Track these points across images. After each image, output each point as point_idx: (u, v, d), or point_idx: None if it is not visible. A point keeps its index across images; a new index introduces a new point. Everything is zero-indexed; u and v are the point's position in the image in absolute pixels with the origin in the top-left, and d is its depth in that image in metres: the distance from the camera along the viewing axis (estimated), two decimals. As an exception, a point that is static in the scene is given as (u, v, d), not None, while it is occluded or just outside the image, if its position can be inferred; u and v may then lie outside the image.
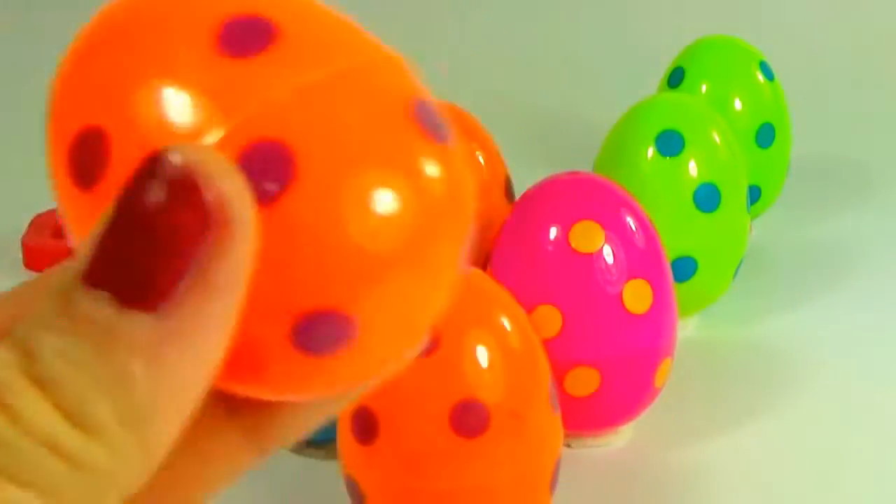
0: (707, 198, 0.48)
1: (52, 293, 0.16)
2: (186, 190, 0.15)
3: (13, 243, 0.61)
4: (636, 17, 0.83)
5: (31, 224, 0.61)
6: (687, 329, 0.51)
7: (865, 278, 0.56)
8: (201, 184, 0.15)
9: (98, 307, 0.15)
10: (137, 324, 0.15)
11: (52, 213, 0.62)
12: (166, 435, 0.16)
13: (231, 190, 0.16)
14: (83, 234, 0.17)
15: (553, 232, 0.42)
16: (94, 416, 0.15)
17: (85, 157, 0.17)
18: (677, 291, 0.44)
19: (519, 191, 0.47)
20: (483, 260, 0.47)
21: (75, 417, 0.15)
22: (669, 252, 0.45)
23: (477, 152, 0.50)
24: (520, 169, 0.53)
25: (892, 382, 0.49)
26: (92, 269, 0.16)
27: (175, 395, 0.16)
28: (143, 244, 0.15)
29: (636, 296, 0.42)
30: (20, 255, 0.60)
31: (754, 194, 0.57)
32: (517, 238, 0.43)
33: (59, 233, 0.61)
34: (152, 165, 0.16)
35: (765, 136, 0.57)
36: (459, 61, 0.80)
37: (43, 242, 0.60)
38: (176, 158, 0.15)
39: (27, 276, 0.59)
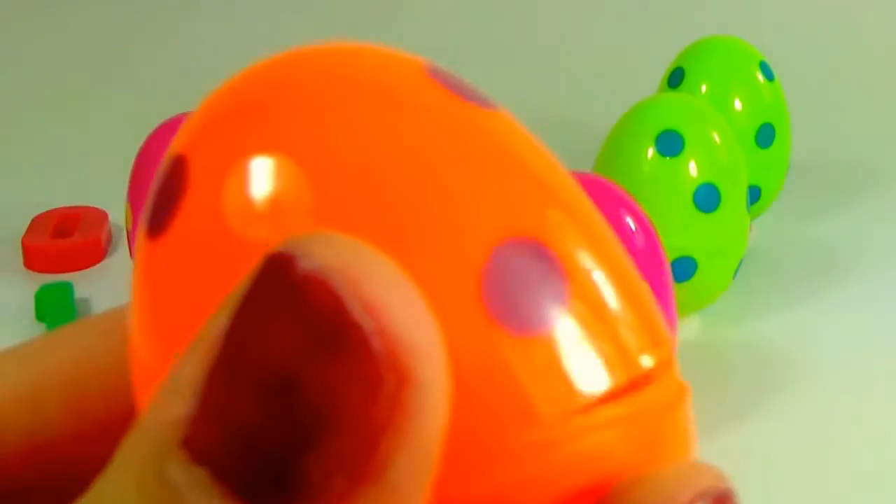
0: (707, 198, 0.48)
1: (142, 449, 0.11)
2: (337, 330, 0.10)
3: (13, 243, 0.61)
4: (636, 17, 0.83)
5: (31, 224, 0.61)
6: (687, 329, 0.51)
7: (865, 278, 0.56)
8: (358, 317, 0.10)
9: (192, 495, 0.10)
10: None
11: (52, 213, 0.62)
12: None
13: (414, 327, 0.10)
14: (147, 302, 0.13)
15: (553, 232, 0.42)
16: None
17: (162, 192, 0.14)
18: (677, 291, 0.44)
19: (519, 191, 0.47)
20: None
21: None
22: (669, 252, 0.45)
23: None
24: (520, 169, 0.53)
25: (893, 382, 0.49)
26: (195, 432, 0.10)
27: None
28: (267, 412, 0.10)
29: (636, 296, 0.42)
30: (20, 255, 0.60)
31: (754, 194, 0.57)
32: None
33: (59, 233, 0.61)
34: (271, 273, 0.10)
35: (765, 136, 0.57)
36: (459, 61, 0.80)
37: (43, 242, 0.60)
38: (308, 264, 0.10)
39: (27, 276, 0.59)
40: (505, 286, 0.13)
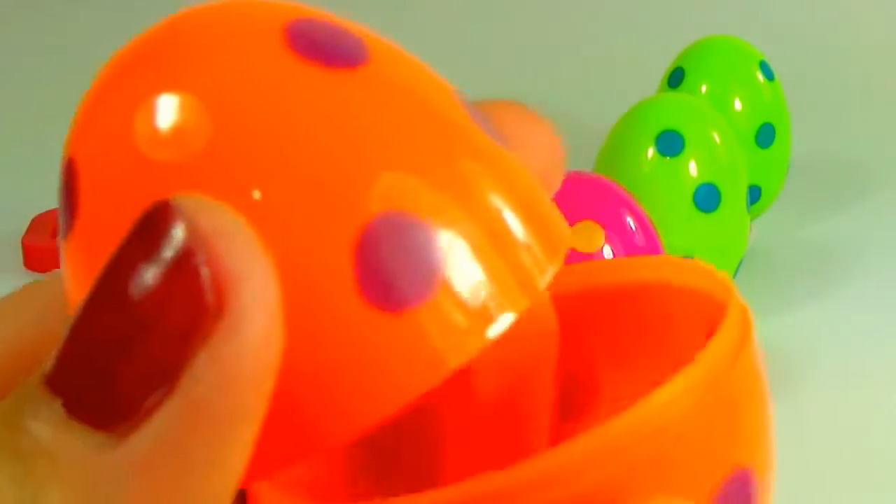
0: (707, 198, 0.48)
1: (18, 391, 0.12)
2: (184, 269, 0.11)
3: (13, 243, 0.61)
4: (636, 17, 0.83)
5: (31, 224, 0.61)
6: (687, 329, 0.51)
7: (865, 278, 0.56)
8: (204, 263, 0.11)
9: (42, 417, 0.12)
10: (79, 444, 0.11)
11: (52, 212, 0.62)
12: None
13: (243, 263, 0.12)
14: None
15: (553, 232, 0.42)
16: None
17: (63, 197, 0.15)
18: (677, 291, 0.44)
19: (519, 191, 0.47)
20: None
21: None
22: (669, 252, 0.45)
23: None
24: (520, 169, 0.53)
25: (892, 382, 0.49)
26: (56, 370, 0.12)
27: None
28: (109, 336, 0.12)
29: (636, 296, 0.42)
30: (20, 255, 0.60)
31: (754, 194, 0.57)
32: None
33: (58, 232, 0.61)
34: (144, 227, 0.12)
35: (765, 136, 0.57)
36: (459, 61, 0.80)
37: (43, 242, 0.60)
38: (181, 222, 0.12)
39: (27, 276, 0.59)
40: (377, 263, 0.13)
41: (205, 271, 0.11)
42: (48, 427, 0.12)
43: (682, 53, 0.58)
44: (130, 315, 0.11)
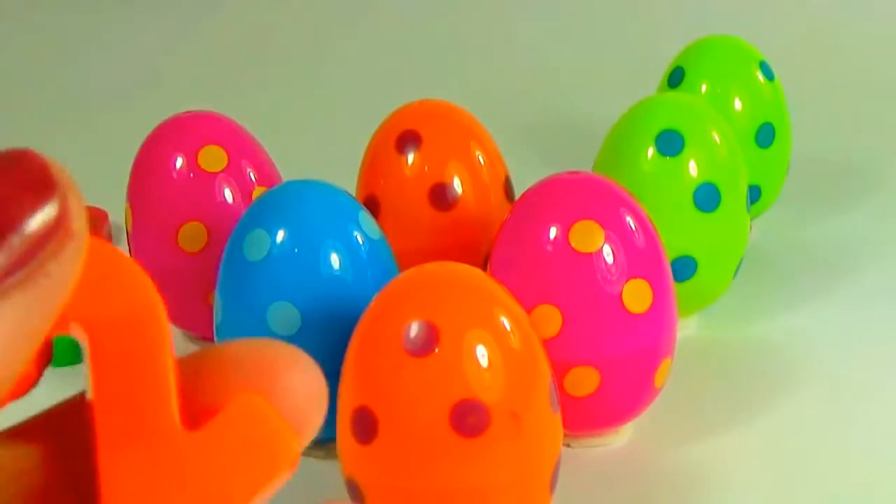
0: (707, 198, 0.48)
1: None
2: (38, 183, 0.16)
3: (13, 243, 0.61)
4: (636, 17, 0.83)
5: (31, 224, 0.61)
6: (687, 329, 0.51)
7: (865, 278, 0.56)
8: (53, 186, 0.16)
9: None
10: None
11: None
12: None
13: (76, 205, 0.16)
14: None
15: (553, 232, 0.42)
16: None
17: None
18: (677, 291, 0.44)
19: (519, 191, 0.47)
20: (483, 260, 0.47)
21: None
22: (669, 252, 0.45)
23: (477, 152, 0.50)
24: (520, 169, 0.53)
25: (892, 382, 0.49)
26: None
27: None
28: None
29: (636, 296, 0.42)
30: (20, 255, 0.60)
31: (754, 194, 0.57)
32: (517, 238, 0.43)
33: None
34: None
35: (765, 136, 0.57)
36: (460, 61, 0.80)
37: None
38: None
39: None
40: None
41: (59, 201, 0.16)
42: None
43: (682, 53, 0.58)
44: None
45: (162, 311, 0.17)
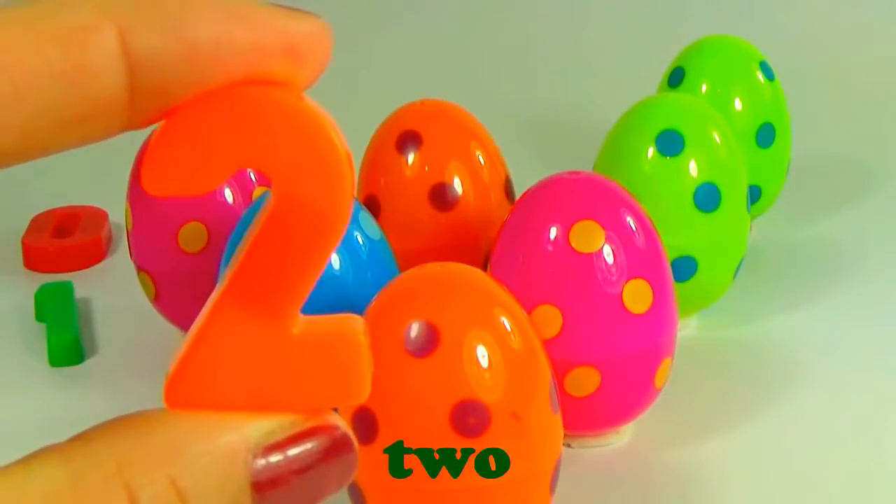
0: (707, 198, 0.48)
1: (218, 481, 0.18)
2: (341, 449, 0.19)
3: (13, 243, 0.61)
4: (636, 17, 0.83)
5: (31, 224, 0.61)
6: (687, 329, 0.51)
7: (865, 278, 0.56)
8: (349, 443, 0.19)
9: None
10: None
11: (52, 212, 0.62)
12: None
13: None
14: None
15: (553, 232, 0.42)
16: None
17: None
18: (677, 291, 0.44)
19: (519, 191, 0.47)
20: (483, 260, 0.47)
21: None
22: (669, 252, 0.45)
23: (477, 152, 0.50)
24: (520, 169, 0.53)
25: (892, 381, 0.49)
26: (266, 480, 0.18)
27: None
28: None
29: (636, 296, 0.42)
30: (20, 255, 0.60)
31: (754, 194, 0.57)
32: (517, 238, 0.43)
33: (59, 233, 0.61)
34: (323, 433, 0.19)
35: (765, 136, 0.57)
36: (460, 61, 0.80)
37: (43, 242, 0.60)
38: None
39: (27, 276, 0.59)
40: None
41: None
42: None
43: (682, 53, 0.58)
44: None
45: (344, 203, 0.18)
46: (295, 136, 0.18)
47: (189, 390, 0.19)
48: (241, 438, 0.18)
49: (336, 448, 0.19)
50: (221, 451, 0.18)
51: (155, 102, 0.18)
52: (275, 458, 0.18)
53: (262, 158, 0.18)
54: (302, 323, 0.19)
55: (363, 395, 0.19)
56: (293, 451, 0.19)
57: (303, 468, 0.19)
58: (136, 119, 0.18)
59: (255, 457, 0.18)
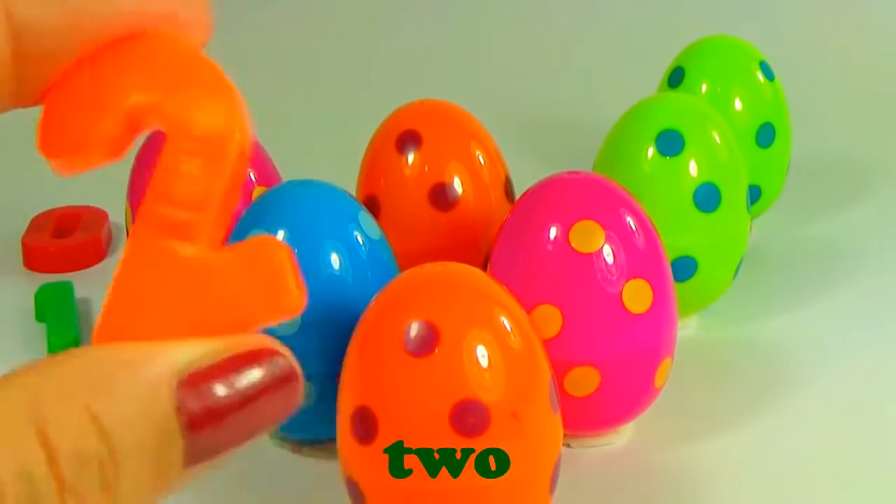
0: (707, 198, 0.48)
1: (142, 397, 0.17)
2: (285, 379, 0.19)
3: (13, 243, 0.61)
4: (636, 17, 0.83)
5: (31, 224, 0.61)
6: (687, 329, 0.51)
7: (866, 278, 0.56)
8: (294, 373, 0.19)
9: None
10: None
11: (52, 213, 0.62)
12: None
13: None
14: None
15: (553, 232, 0.42)
16: None
17: None
18: (677, 291, 0.44)
19: (519, 191, 0.47)
20: (483, 260, 0.47)
21: None
22: (669, 252, 0.45)
23: (477, 152, 0.50)
24: (520, 169, 0.53)
25: (893, 381, 0.49)
26: (198, 414, 0.18)
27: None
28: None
29: (636, 296, 0.42)
30: (20, 255, 0.60)
31: (754, 194, 0.57)
32: (517, 238, 0.43)
33: (59, 233, 0.61)
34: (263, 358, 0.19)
35: (765, 136, 0.57)
36: (459, 61, 0.80)
37: (43, 242, 0.60)
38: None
39: (27, 276, 0.59)
40: None
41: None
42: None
43: (682, 53, 0.58)
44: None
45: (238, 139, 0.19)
46: (175, 64, 0.19)
47: (116, 326, 0.19)
48: (165, 363, 0.18)
49: (276, 375, 0.18)
50: (144, 378, 0.17)
51: (39, 69, 0.18)
52: (206, 386, 0.18)
53: (150, 93, 0.19)
54: (224, 250, 0.19)
55: (292, 304, 0.19)
56: (227, 379, 0.18)
57: (240, 399, 0.18)
58: (23, 91, 0.18)
59: (181, 383, 0.18)
